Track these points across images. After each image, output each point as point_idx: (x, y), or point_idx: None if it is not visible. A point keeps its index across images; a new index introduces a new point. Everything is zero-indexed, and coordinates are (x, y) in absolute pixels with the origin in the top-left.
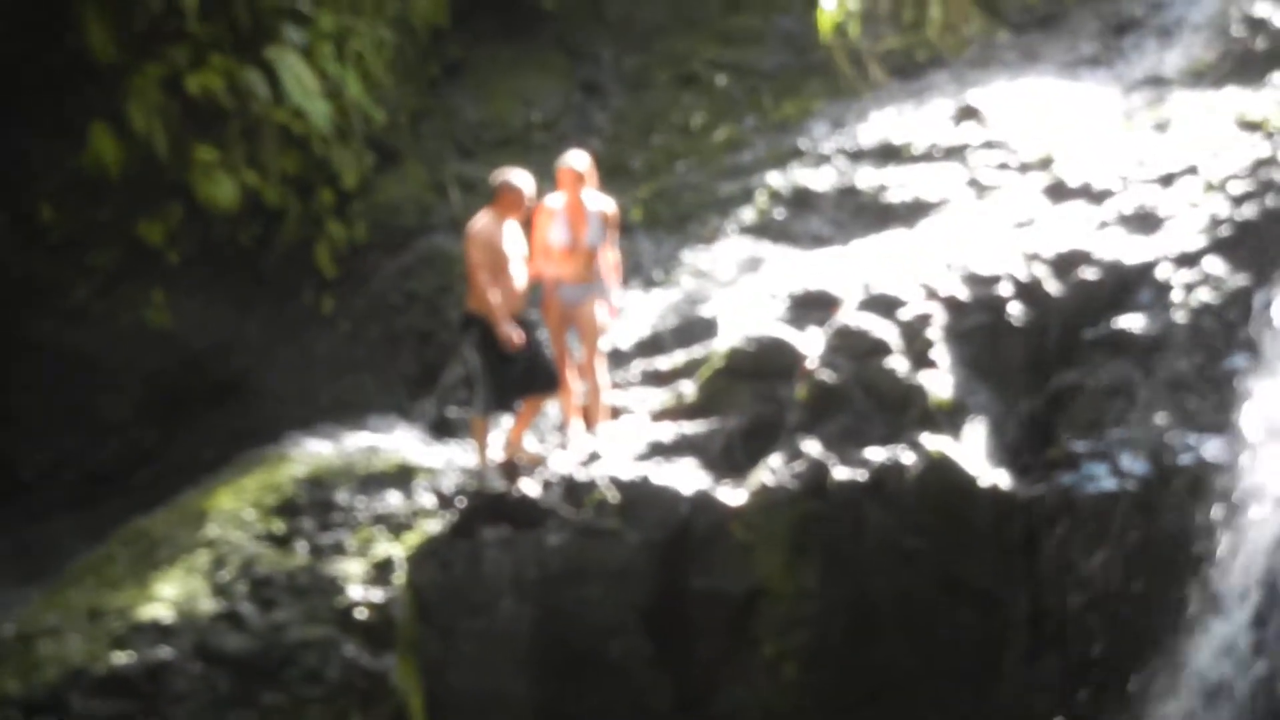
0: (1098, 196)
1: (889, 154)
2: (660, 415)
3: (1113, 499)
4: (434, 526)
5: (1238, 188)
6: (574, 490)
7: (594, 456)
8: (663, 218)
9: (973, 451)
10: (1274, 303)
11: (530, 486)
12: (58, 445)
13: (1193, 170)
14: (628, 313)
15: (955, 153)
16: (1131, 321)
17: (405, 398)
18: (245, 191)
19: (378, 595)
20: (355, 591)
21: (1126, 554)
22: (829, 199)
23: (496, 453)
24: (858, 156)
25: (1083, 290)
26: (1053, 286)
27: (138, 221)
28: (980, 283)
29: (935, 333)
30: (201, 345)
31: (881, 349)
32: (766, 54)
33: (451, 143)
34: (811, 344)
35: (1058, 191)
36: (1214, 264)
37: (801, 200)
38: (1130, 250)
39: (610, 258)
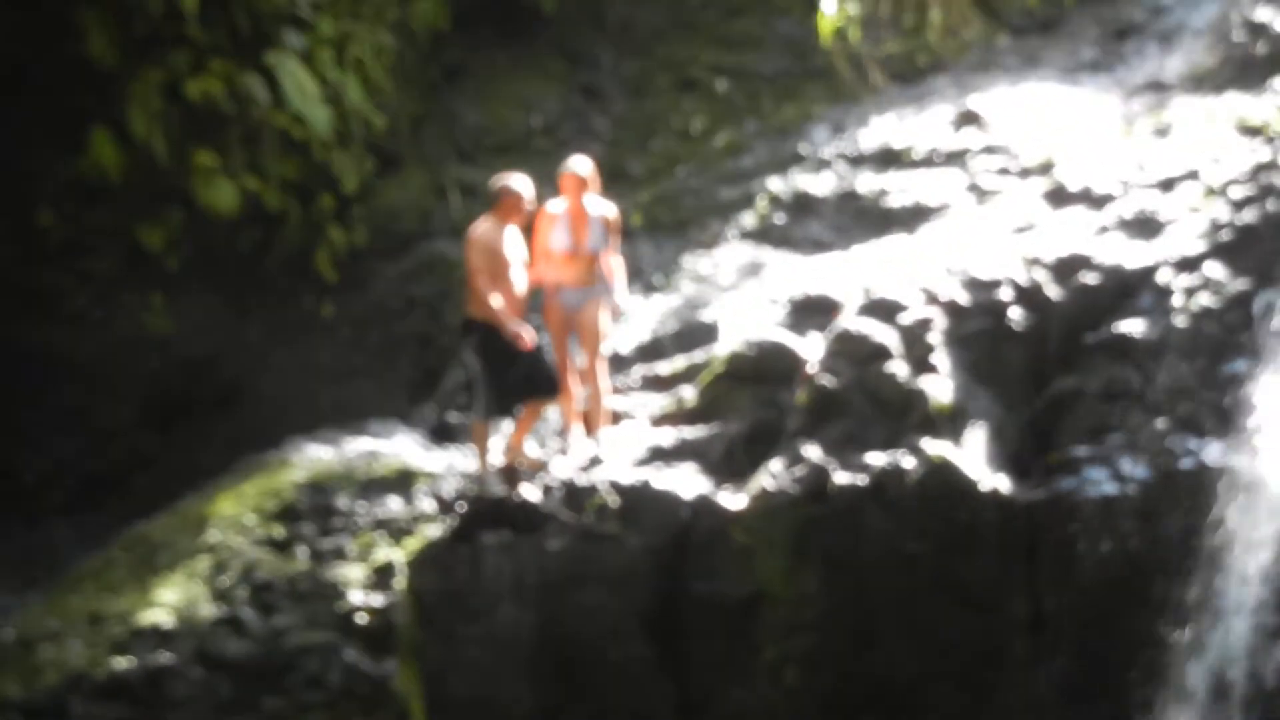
0: (1098, 201)
1: (889, 159)
2: (661, 420)
3: (1113, 503)
4: (434, 531)
5: (1238, 192)
6: (574, 495)
7: (594, 461)
8: (663, 222)
9: (973, 456)
10: (1275, 307)
11: (531, 491)
12: (58, 451)
13: (1193, 175)
14: (628, 318)
15: (956, 157)
16: (1132, 326)
17: (406, 403)
18: (245, 197)
19: (378, 600)
20: (356, 596)
21: (1127, 558)
22: (829, 204)
23: (497, 458)
24: (858, 161)
25: (1083, 295)
26: (1053, 291)
27: (138, 227)
28: (981, 287)
29: (936, 337)
30: (201, 351)
31: (882, 354)
32: (767, 59)
33: (452, 148)
34: (812, 349)
35: (1058, 196)
36: (1214, 269)
37: (802, 205)
38: (1131, 255)
39: (614, 263)
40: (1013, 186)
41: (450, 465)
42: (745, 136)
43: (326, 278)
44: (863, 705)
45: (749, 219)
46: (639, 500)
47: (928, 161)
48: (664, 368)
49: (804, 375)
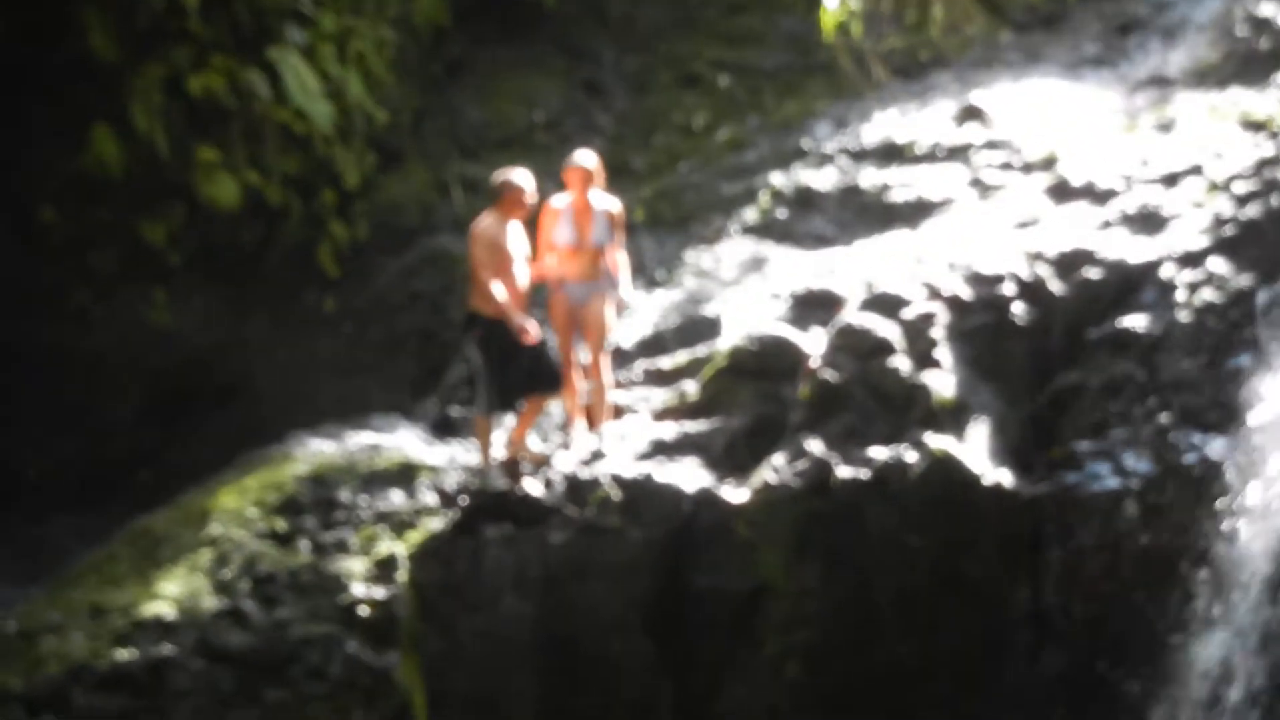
0: (1101, 196)
1: (892, 154)
2: (663, 414)
3: (1116, 498)
4: (437, 524)
5: (1241, 187)
6: (577, 488)
7: (597, 455)
8: (665, 218)
9: (976, 451)
10: (1278, 302)
11: (533, 485)
12: (60, 446)
13: (1196, 170)
14: (631, 312)
15: (958, 153)
16: (1135, 321)
17: (408, 397)
18: (247, 192)
19: (380, 593)
20: (358, 589)
21: (1129, 553)
22: (832, 199)
23: (499, 451)
24: (861, 156)
25: (1086, 290)
26: (1056, 286)
27: (139, 222)
28: (983, 282)
29: (938, 332)
30: (203, 346)
31: (884, 348)
32: (769, 54)
33: (454, 142)
34: (814, 343)
35: (1061, 191)
36: (1218, 264)
37: (804, 200)
38: (1134, 250)
39: (618, 258)
40: (1015, 182)
41: (452, 459)
42: (747, 132)
43: (328, 273)
44: (864, 699)
45: (751, 214)
46: (641, 494)
47: (930, 157)
48: (666, 362)
49: (806, 370)
